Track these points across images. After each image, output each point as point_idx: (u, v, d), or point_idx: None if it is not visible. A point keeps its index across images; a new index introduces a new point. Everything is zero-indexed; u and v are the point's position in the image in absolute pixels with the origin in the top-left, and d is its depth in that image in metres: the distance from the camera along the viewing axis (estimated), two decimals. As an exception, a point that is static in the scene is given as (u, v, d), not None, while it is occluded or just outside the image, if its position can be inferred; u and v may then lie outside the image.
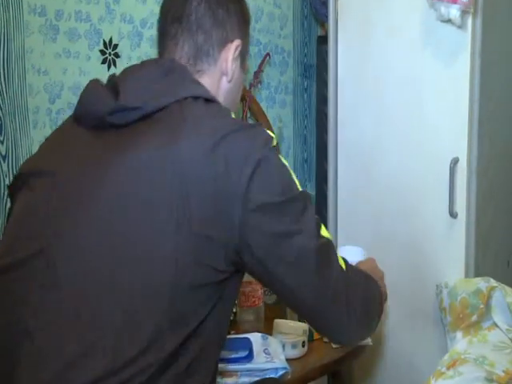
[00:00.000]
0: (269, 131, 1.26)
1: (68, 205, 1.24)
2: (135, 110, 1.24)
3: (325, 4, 2.49)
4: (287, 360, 1.90)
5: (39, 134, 1.97)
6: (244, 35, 1.43)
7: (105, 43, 2.13)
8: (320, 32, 2.86)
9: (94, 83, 1.36)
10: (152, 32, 2.26)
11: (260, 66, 2.50)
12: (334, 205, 2.33)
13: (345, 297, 1.30)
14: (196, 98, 1.27)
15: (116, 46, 2.16)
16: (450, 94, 2.03)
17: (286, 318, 2.13)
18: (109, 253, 1.18)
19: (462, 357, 1.84)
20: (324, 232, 1.28)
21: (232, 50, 1.39)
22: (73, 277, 1.19)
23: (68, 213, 1.23)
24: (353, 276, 1.35)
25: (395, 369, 2.20)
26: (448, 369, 1.81)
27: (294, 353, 1.97)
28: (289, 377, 1.88)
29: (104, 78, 2.05)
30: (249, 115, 2.49)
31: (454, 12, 1.90)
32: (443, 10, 1.93)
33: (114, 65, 2.16)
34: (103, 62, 2.13)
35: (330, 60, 2.30)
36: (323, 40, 2.56)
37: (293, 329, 1.99)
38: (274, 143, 1.24)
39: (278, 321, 2.04)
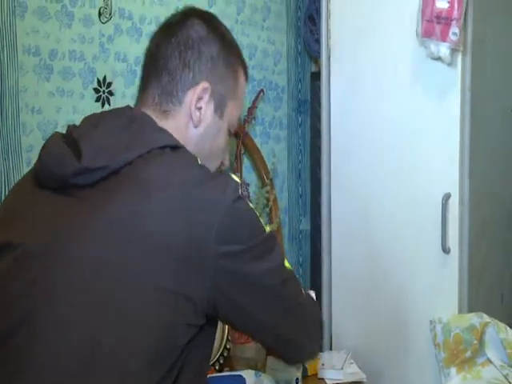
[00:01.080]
0: (234, 176, 1.25)
1: (43, 277, 1.19)
2: (100, 170, 1.21)
3: (318, 41, 2.52)
4: None
5: (33, 172, 1.98)
6: (221, 78, 1.39)
7: (99, 81, 2.14)
8: (313, 68, 2.88)
9: (54, 140, 1.32)
10: (146, 70, 2.28)
11: (254, 102, 2.51)
12: (327, 240, 2.33)
13: (308, 321, 1.39)
14: (162, 147, 1.25)
15: (110, 84, 2.17)
16: (441, 130, 2.04)
17: (281, 355, 2.13)
18: (87, 316, 1.15)
19: (456, 394, 1.84)
20: (287, 265, 1.33)
21: (197, 92, 1.35)
22: (52, 348, 1.15)
23: (44, 285, 1.18)
24: (309, 300, 1.43)
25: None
26: (442, 405, 1.80)
27: (289, 390, 1.95)
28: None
29: (98, 116, 2.09)
30: (243, 151, 2.50)
31: (444, 50, 1.92)
32: (433, 47, 1.94)
33: (108, 103, 2.17)
34: (97, 100, 2.14)
35: (323, 96, 2.32)
36: (317, 76, 2.58)
37: (287, 365, 1.95)
38: (238, 185, 1.24)
39: (271, 357, 2.01)
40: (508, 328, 1.94)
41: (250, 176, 2.61)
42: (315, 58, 2.79)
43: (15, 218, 1.29)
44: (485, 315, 1.95)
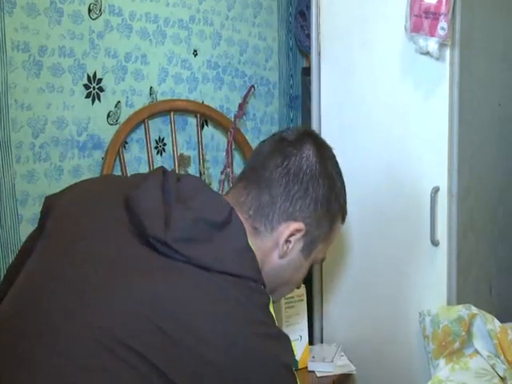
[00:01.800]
0: (292, 344, 1.23)
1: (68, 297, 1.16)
2: (179, 254, 1.17)
3: (309, 37, 2.51)
4: None
5: (22, 168, 1.99)
6: (318, 222, 1.37)
7: (89, 78, 2.15)
8: (304, 63, 2.89)
9: (156, 184, 1.28)
10: (136, 66, 2.29)
11: (244, 97, 2.52)
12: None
13: None
14: (240, 276, 1.20)
15: (100, 80, 2.19)
16: (430, 124, 2.04)
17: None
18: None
19: (444, 384, 1.85)
20: None
21: (291, 228, 1.33)
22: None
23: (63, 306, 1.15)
24: None
25: (380, 397, 2.19)
26: (429, 396, 1.81)
27: (279, 383, 1.97)
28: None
29: (88, 112, 2.11)
30: (234, 146, 2.51)
31: (433, 45, 1.92)
32: (422, 42, 1.95)
33: (99, 99, 2.19)
34: (87, 96, 2.16)
35: (313, 91, 2.30)
36: (308, 71, 2.58)
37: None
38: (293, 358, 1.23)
39: None
40: (495, 319, 1.94)
41: (239, 171, 2.60)
42: (306, 53, 2.81)
43: (98, 213, 1.27)
44: (473, 307, 1.96)
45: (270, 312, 1.24)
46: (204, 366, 1.11)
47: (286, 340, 1.22)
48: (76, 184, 1.40)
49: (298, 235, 1.35)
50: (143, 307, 1.12)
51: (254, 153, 1.42)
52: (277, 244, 1.34)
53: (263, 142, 1.42)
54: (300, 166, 1.33)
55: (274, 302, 1.34)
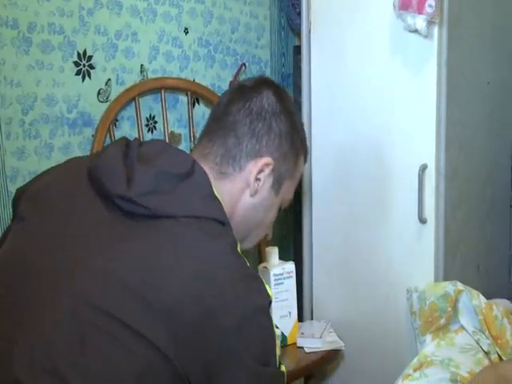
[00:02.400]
0: (268, 288, 1.24)
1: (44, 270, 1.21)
2: (143, 208, 1.21)
3: (299, 14, 2.51)
4: None
5: (12, 144, 2.00)
6: (284, 157, 1.41)
7: (79, 55, 2.15)
8: (296, 42, 2.89)
9: (117, 149, 1.32)
10: (127, 44, 2.30)
11: (235, 75, 2.53)
12: (308, 210, 2.35)
13: None
14: (212, 219, 1.25)
15: (90, 57, 2.19)
16: (418, 102, 2.05)
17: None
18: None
19: (429, 359, 1.87)
20: None
21: (259, 165, 1.38)
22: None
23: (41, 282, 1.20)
24: None
25: (367, 372, 2.21)
26: (415, 371, 1.83)
27: (267, 358, 1.99)
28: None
29: (79, 89, 2.12)
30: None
31: (421, 22, 1.93)
32: (410, 20, 1.95)
33: (89, 76, 2.19)
34: (77, 74, 2.16)
35: (304, 69, 2.32)
36: (299, 50, 2.57)
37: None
38: (269, 301, 1.24)
39: None
40: (480, 295, 1.97)
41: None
42: (298, 31, 2.80)
43: (62, 194, 1.31)
44: (459, 283, 1.98)
45: (239, 253, 1.26)
46: (177, 320, 1.13)
47: (259, 281, 1.24)
48: (42, 172, 1.45)
49: (267, 171, 1.39)
50: (116, 270, 1.16)
51: (214, 106, 1.47)
52: (247, 183, 1.38)
53: (222, 94, 1.48)
54: (261, 105, 1.39)
55: (247, 249, 1.43)
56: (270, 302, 1.25)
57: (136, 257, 1.17)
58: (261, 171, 1.38)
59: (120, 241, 1.20)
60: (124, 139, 1.37)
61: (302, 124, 1.52)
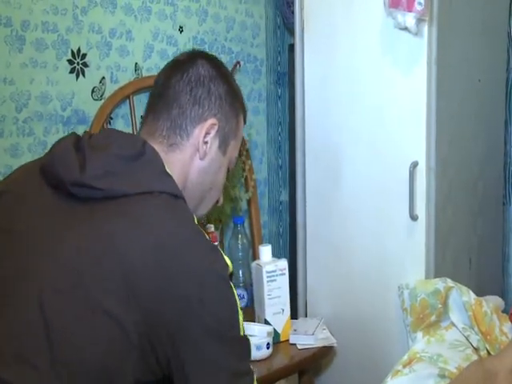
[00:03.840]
0: (226, 257, 1.28)
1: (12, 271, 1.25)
2: (97, 191, 1.26)
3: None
4: (252, 361, 1.85)
5: (5, 142, 2.02)
6: (226, 117, 1.47)
7: (73, 53, 2.17)
8: (291, 40, 2.90)
9: (68, 141, 1.36)
10: (121, 42, 2.32)
11: (230, 74, 2.54)
12: (302, 209, 2.36)
13: None
14: (162, 192, 1.29)
15: (84, 55, 2.21)
16: (408, 100, 2.07)
17: (254, 321, 2.18)
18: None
19: (418, 355, 1.87)
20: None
21: (205, 127, 1.42)
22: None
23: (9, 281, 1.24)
24: None
25: (359, 368, 2.23)
26: (404, 367, 1.84)
27: (259, 354, 2.01)
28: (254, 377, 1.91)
29: (72, 87, 2.13)
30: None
31: (410, 20, 1.95)
32: (400, 18, 1.97)
33: (83, 74, 2.21)
34: (71, 72, 2.18)
35: (297, 68, 2.33)
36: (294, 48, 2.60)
37: (257, 331, 2.03)
38: (229, 272, 1.27)
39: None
40: (470, 291, 1.98)
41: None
42: (293, 30, 2.81)
43: (17, 199, 1.35)
44: (449, 280, 1.99)
45: (196, 224, 1.31)
46: (140, 291, 1.18)
47: (218, 252, 1.28)
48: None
49: (213, 132, 1.44)
50: (77, 252, 1.21)
51: (153, 85, 1.50)
52: (196, 148, 1.43)
53: (159, 73, 1.52)
54: (198, 73, 1.43)
55: (202, 216, 1.53)
56: (231, 274, 1.29)
57: (94, 237, 1.22)
58: (207, 134, 1.43)
59: (77, 225, 1.24)
60: (74, 134, 1.41)
61: (238, 86, 1.55)
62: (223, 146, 1.47)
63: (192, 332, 1.22)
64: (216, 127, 1.44)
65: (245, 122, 1.57)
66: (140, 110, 2.36)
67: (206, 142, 1.43)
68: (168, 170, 1.35)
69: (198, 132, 1.42)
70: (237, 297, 1.28)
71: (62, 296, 1.19)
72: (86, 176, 1.26)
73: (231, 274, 1.29)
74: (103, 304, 1.17)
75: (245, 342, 1.32)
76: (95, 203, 1.26)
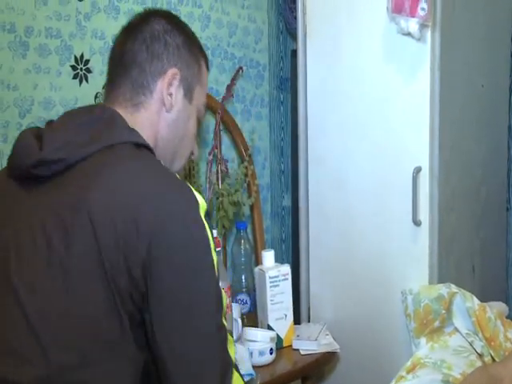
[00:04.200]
0: (197, 195, 1.28)
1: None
2: (57, 163, 1.27)
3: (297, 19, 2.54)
4: (255, 367, 1.95)
5: (9, 147, 1.97)
6: (187, 65, 1.47)
7: (76, 59, 2.17)
8: (294, 46, 2.90)
9: (26, 132, 1.38)
10: (124, 47, 2.31)
11: (232, 79, 2.54)
12: (305, 215, 2.37)
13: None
14: (125, 143, 1.31)
15: (88, 61, 2.21)
16: (412, 105, 2.07)
17: (257, 327, 2.19)
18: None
19: (422, 361, 1.88)
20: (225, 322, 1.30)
21: (167, 78, 1.43)
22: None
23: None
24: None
25: (362, 374, 2.23)
26: (408, 373, 1.85)
27: (262, 360, 2.02)
28: (258, 383, 1.92)
29: (76, 93, 2.14)
30: (221, 128, 2.53)
31: (413, 25, 1.95)
32: (403, 23, 1.97)
33: (86, 80, 2.21)
34: (74, 77, 2.18)
35: (300, 73, 2.34)
36: (297, 53, 2.60)
37: (260, 336, 2.03)
38: (204, 208, 1.27)
39: (246, 328, 2.09)
40: (474, 297, 1.98)
41: (229, 152, 2.65)
42: (295, 35, 2.81)
43: None
44: (452, 285, 1.99)
45: (164, 166, 1.34)
46: (115, 233, 1.21)
47: (189, 190, 1.28)
48: None
49: (176, 82, 1.44)
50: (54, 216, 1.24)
51: (109, 55, 1.51)
52: (162, 102, 1.43)
53: (113, 42, 1.52)
54: (152, 29, 1.44)
55: (178, 170, 1.52)
56: (207, 212, 1.28)
57: (67, 201, 1.25)
58: (170, 85, 1.43)
59: (43, 200, 1.27)
60: (36, 126, 1.45)
61: (195, 34, 1.55)
62: (188, 95, 1.47)
63: (163, 272, 1.21)
64: (178, 76, 1.44)
65: (207, 68, 1.57)
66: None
67: (170, 94, 1.43)
68: (133, 126, 1.36)
69: (161, 85, 1.42)
70: (211, 238, 1.27)
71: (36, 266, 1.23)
72: (45, 152, 1.27)
73: (207, 213, 1.28)
74: (77, 263, 1.21)
75: (214, 287, 1.28)
76: (59, 176, 1.27)
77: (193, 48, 1.50)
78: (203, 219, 1.26)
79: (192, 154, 1.57)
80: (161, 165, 1.34)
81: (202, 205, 1.27)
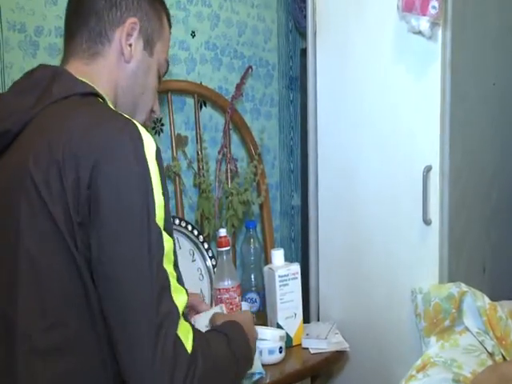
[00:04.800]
0: (145, 133, 1.25)
1: None
2: (6, 134, 1.28)
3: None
4: (264, 366, 1.93)
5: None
6: (148, 17, 1.46)
7: (85, 58, 2.17)
8: (303, 45, 2.90)
9: None
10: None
11: (242, 78, 2.54)
12: (315, 213, 2.36)
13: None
14: (68, 97, 1.30)
15: (97, 60, 2.21)
16: (422, 104, 2.06)
17: (267, 325, 2.18)
18: None
19: (432, 360, 1.88)
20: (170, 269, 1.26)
21: (126, 27, 1.42)
22: None
23: None
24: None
25: (372, 373, 2.22)
26: (418, 372, 1.84)
27: (271, 358, 2.01)
28: (267, 381, 1.92)
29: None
30: (231, 127, 2.54)
31: (424, 24, 1.94)
32: (414, 22, 1.96)
33: (96, 78, 2.21)
34: (84, 76, 2.18)
35: (309, 72, 2.34)
36: (306, 52, 2.60)
37: (269, 335, 2.02)
38: (153, 147, 1.25)
39: (255, 327, 2.07)
40: (485, 296, 1.97)
41: (238, 151, 2.65)
42: (305, 34, 2.80)
43: None
44: (463, 284, 1.99)
45: (111, 108, 1.34)
46: (62, 172, 1.19)
47: (134, 126, 1.25)
48: None
49: (135, 33, 1.43)
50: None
51: (67, 4, 1.49)
52: (120, 52, 1.42)
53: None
54: None
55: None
56: (158, 152, 1.26)
57: (15, 169, 1.25)
58: (129, 35, 1.42)
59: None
60: None
61: None
62: (149, 47, 1.46)
63: (100, 204, 1.19)
64: (137, 27, 1.43)
65: (169, 25, 1.55)
66: (152, 115, 2.36)
67: (130, 45, 1.42)
68: (86, 80, 1.35)
69: (119, 34, 1.41)
70: (157, 178, 1.24)
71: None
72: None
73: (158, 153, 1.26)
74: (28, 226, 1.21)
75: (147, 228, 1.23)
76: (10, 146, 1.28)
77: (155, 3, 1.49)
78: (146, 155, 1.22)
79: (153, 111, 1.56)
80: (106, 106, 1.33)
81: (151, 143, 1.24)
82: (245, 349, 1.44)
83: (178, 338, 1.21)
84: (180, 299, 1.24)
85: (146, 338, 1.18)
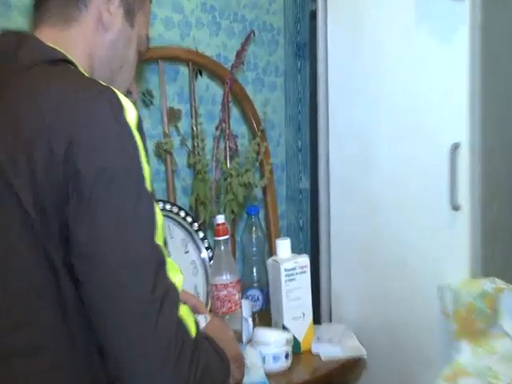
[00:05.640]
0: (125, 99, 1.24)
1: None
2: None
3: (315, -24, 2.48)
4: (268, 374, 1.89)
5: None
6: None
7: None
8: (313, 6, 2.82)
9: None
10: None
11: (243, 44, 2.46)
12: (325, 198, 2.33)
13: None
14: (36, 65, 1.27)
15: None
16: (447, 73, 2.00)
17: (271, 326, 2.14)
18: None
19: (464, 369, 1.84)
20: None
21: None
22: None
23: None
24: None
25: (393, 383, 2.17)
26: (447, 382, 1.81)
27: (276, 366, 1.96)
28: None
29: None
30: (230, 99, 2.46)
31: (451, -19, 1.89)
32: (438, -21, 1.91)
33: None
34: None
35: (319, 38, 2.32)
36: (316, 15, 2.53)
37: (274, 338, 1.97)
38: (134, 115, 1.23)
39: (257, 329, 2.04)
40: (526, 294, 1.91)
41: (239, 127, 2.59)
42: (315, -6, 2.76)
43: None
44: (498, 280, 1.92)
45: (83, 73, 1.33)
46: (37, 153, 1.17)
47: (113, 93, 1.24)
48: None
49: (115, 1, 1.41)
50: None
51: None
52: (98, 19, 1.39)
53: None
54: None
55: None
56: (139, 122, 1.24)
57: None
58: (109, 2, 1.40)
59: None
60: None
61: None
62: (129, 18, 1.45)
63: (80, 174, 1.17)
64: None
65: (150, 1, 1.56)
66: (140, 85, 2.28)
67: (108, 12, 1.40)
68: (59, 48, 1.32)
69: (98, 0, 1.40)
70: (140, 148, 1.23)
71: None
72: None
73: (140, 123, 1.24)
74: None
75: (146, 197, 1.23)
76: None
77: None
78: (128, 122, 1.21)
79: (130, 92, 1.54)
80: (78, 72, 1.32)
81: (131, 110, 1.23)
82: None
83: (181, 320, 1.21)
84: (177, 278, 1.24)
85: (143, 322, 1.18)
